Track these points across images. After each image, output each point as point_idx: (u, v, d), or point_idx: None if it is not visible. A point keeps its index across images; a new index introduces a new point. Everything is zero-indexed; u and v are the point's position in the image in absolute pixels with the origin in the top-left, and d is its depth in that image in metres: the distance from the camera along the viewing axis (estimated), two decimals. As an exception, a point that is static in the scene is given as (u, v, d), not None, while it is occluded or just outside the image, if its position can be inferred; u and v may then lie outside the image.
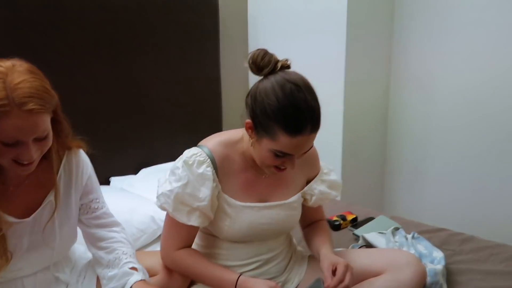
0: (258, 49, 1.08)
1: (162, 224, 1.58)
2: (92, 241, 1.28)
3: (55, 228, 1.17)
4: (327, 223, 1.40)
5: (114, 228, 1.30)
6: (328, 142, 2.34)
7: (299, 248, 1.42)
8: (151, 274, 1.27)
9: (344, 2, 2.20)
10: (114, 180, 2.07)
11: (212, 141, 1.19)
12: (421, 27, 2.43)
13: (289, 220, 1.26)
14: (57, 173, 1.16)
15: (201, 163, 1.14)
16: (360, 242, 1.58)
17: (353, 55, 2.29)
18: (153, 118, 2.23)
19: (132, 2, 2.02)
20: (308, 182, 1.31)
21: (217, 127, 2.49)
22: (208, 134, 1.24)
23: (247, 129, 1.12)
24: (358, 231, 1.70)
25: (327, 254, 1.19)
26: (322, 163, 1.35)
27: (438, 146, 2.49)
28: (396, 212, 2.53)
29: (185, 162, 1.15)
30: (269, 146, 1.07)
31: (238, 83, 2.71)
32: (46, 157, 1.10)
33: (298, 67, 1.12)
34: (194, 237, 1.24)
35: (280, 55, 1.11)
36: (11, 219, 1.09)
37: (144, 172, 2.15)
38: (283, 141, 1.05)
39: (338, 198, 1.35)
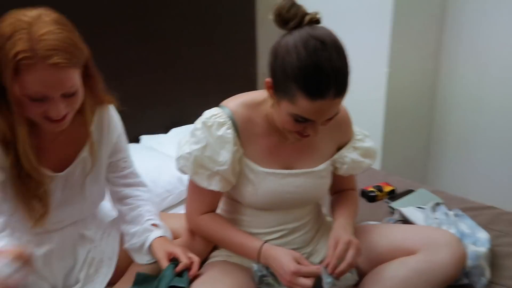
0: (285, 0, 0.97)
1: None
2: (117, 198, 1.29)
3: (85, 184, 1.18)
4: (356, 193, 1.32)
5: (140, 188, 1.31)
6: (368, 106, 2.23)
7: (328, 218, 1.34)
8: (175, 237, 1.26)
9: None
10: (144, 138, 2.07)
11: (234, 102, 1.12)
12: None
13: (317, 189, 1.19)
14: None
15: (221, 124, 1.08)
16: (396, 216, 1.49)
17: (402, 17, 2.13)
18: (185, 76, 2.19)
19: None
20: (339, 149, 1.22)
21: (251, 87, 2.43)
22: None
23: (267, 89, 1.03)
24: (395, 204, 1.60)
25: (335, 229, 1.12)
26: (357, 128, 1.25)
27: (489, 115, 2.31)
28: (440, 186, 2.41)
29: (204, 123, 1.09)
30: (288, 109, 0.99)
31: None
32: (81, 112, 1.08)
33: (338, 27, 1.00)
34: (218, 201, 1.20)
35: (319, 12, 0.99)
36: (46, 172, 1.10)
37: (174, 131, 2.14)
38: (303, 105, 0.96)
39: (378, 168, 1.25)
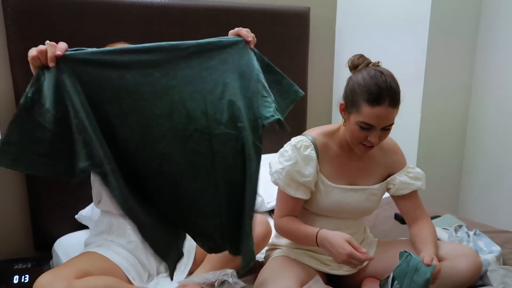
0: (355, 54, 1.36)
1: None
2: None
3: None
4: (431, 223, 1.48)
5: None
6: (402, 143, 2.35)
7: (371, 235, 1.62)
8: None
9: (427, 17, 2.29)
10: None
11: (315, 131, 1.44)
12: (509, 30, 2.37)
13: (368, 204, 1.47)
14: None
15: (306, 147, 1.38)
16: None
17: (434, 57, 2.33)
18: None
19: (235, 18, 2.29)
20: (391, 175, 1.48)
21: (301, 127, 2.69)
22: (294, 132, 1.41)
23: (340, 111, 1.36)
24: (424, 226, 1.80)
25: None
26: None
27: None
28: (470, 217, 2.51)
29: (294, 146, 1.38)
30: (355, 118, 1.28)
31: (323, 88, 2.89)
32: None
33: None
34: (300, 208, 1.43)
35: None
36: None
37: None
38: (366, 112, 1.25)
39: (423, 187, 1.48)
